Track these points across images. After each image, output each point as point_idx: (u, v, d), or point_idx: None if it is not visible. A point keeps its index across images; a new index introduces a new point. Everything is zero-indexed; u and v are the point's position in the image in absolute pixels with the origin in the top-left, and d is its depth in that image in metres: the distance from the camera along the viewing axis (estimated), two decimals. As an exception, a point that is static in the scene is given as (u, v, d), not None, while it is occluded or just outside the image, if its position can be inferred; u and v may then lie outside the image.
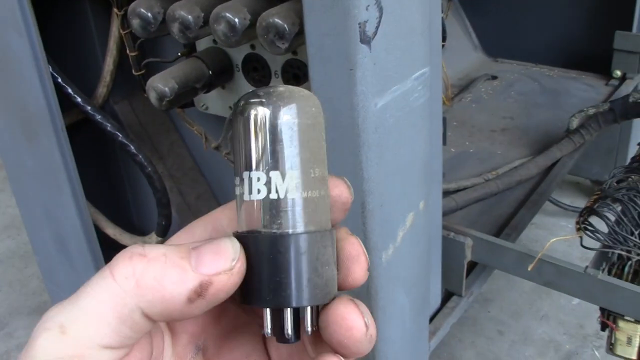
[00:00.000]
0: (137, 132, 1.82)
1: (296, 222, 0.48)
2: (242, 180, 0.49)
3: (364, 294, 1.25)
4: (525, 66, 2.90)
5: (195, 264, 0.46)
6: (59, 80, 1.57)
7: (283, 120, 0.47)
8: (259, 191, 0.48)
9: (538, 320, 2.39)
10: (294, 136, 0.47)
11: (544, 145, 2.20)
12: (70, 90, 1.59)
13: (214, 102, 1.58)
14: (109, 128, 1.62)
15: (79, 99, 1.60)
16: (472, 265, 1.78)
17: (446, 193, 1.91)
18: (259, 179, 0.48)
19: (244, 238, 0.48)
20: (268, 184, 0.48)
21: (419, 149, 1.25)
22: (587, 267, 1.49)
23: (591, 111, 2.13)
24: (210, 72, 1.45)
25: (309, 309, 0.49)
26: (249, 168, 0.48)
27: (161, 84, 1.40)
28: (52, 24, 1.60)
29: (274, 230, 0.48)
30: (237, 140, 0.49)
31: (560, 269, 1.53)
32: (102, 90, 1.71)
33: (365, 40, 1.01)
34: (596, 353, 2.22)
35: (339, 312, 0.48)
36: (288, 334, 0.48)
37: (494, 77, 2.82)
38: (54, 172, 1.59)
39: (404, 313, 1.39)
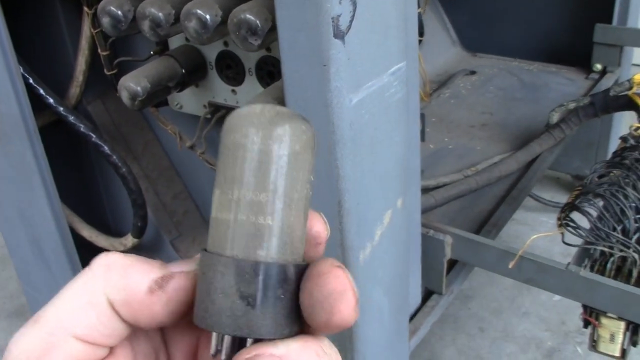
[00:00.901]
0: (111, 132, 1.80)
1: (219, 243, 0.46)
2: None
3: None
4: (504, 61, 2.89)
5: (163, 265, 0.48)
6: (31, 81, 1.54)
7: (223, 135, 0.47)
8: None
9: (519, 317, 2.38)
10: (229, 154, 0.46)
11: (523, 141, 2.19)
12: (42, 91, 1.56)
13: (188, 100, 1.56)
14: (82, 129, 1.60)
15: (51, 100, 1.58)
16: (452, 263, 1.77)
17: (425, 190, 1.89)
18: None
19: None
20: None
21: (396, 146, 1.23)
22: (569, 263, 1.48)
23: (571, 105, 2.12)
24: (183, 71, 1.43)
25: (214, 335, 0.46)
26: None
27: (133, 83, 1.38)
28: (21, 24, 1.57)
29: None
30: None
31: (542, 266, 1.52)
32: (74, 90, 1.69)
33: (339, 35, 0.99)
34: (578, 349, 2.21)
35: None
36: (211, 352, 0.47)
37: (473, 72, 2.81)
38: (27, 174, 1.56)
39: (383, 313, 1.37)
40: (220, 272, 0.45)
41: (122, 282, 0.46)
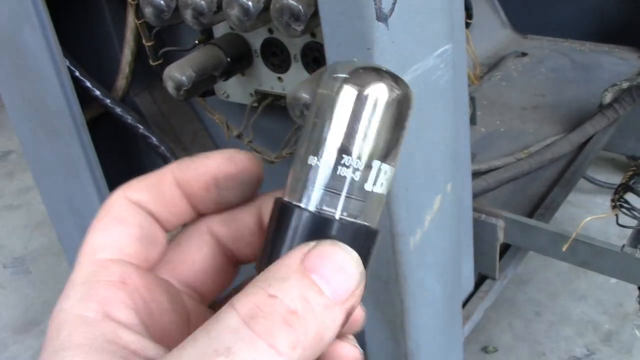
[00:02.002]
0: (159, 124, 1.80)
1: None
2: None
3: (393, 282, 1.21)
4: (555, 42, 2.84)
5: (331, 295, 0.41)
6: (77, 74, 1.55)
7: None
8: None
9: (576, 300, 2.35)
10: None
11: (576, 122, 2.15)
12: (88, 84, 1.57)
13: (234, 89, 1.55)
14: (129, 120, 1.60)
15: (97, 92, 1.58)
16: (505, 247, 1.74)
17: (477, 174, 1.87)
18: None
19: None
20: None
21: (444, 130, 1.21)
22: (623, 245, 1.45)
23: (625, 85, 2.08)
24: (229, 59, 1.42)
25: None
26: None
27: (178, 73, 1.37)
28: (66, 16, 1.57)
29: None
30: None
31: (596, 248, 1.49)
32: (121, 82, 1.69)
33: (382, 17, 0.98)
34: (637, 332, 2.18)
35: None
36: None
37: (524, 54, 2.77)
38: (76, 168, 1.57)
39: (435, 299, 1.35)
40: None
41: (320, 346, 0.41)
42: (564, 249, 1.52)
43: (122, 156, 1.86)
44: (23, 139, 1.67)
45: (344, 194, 0.44)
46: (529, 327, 2.27)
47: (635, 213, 1.45)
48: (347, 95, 0.43)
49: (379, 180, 0.44)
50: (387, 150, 0.44)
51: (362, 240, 0.44)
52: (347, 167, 0.43)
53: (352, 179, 0.43)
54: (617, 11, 2.67)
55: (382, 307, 1.29)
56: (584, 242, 1.51)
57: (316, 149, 0.44)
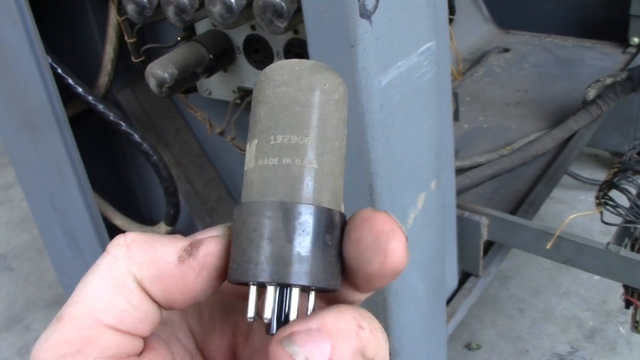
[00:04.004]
0: (142, 120, 1.79)
1: (261, 191, 0.44)
2: None
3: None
4: (538, 37, 2.85)
5: (187, 237, 0.45)
6: (59, 71, 1.54)
7: (259, 87, 0.46)
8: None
9: (559, 297, 2.35)
10: (269, 103, 0.45)
11: (559, 118, 2.15)
12: (70, 81, 1.56)
13: (216, 86, 1.54)
14: (111, 117, 1.59)
15: (80, 89, 1.57)
16: (488, 245, 1.74)
17: (460, 170, 1.87)
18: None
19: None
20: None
21: (427, 127, 1.20)
22: (608, 243, 1.44)
23: (608, 81, 2.08)
24: (211, 56, 1.42)
25: (252, 293, 0.44)
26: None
27: (160, 70, 1.36)
28: (48, 13, 1.56)
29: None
30: None
31: (580, 246, 1.49)
32: (103, 79, 1.68)
33: (366, 14, 0.97)
34: (621, 329, 2.18)
35: None
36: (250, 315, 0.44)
37: (506, 50, 2.76)
38: (59, 165, 1.56)
39: (419, 297, 1.35)
40: (267, 217, 0.43)
41: (148, 257, 0.43)
42: (548, 247, 1.52)
43: (105, 153, 1.85)
44: (5, 135, 1.66)
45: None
46: (512, 324, 2.27)
47: (620, 210, 1.44)
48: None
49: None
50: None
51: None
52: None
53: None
54: (599, 6, 2.67)
55: (365, 306, 1.28)
56: (568, 240, 1.50)
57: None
